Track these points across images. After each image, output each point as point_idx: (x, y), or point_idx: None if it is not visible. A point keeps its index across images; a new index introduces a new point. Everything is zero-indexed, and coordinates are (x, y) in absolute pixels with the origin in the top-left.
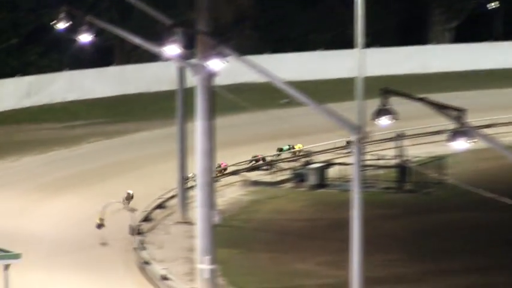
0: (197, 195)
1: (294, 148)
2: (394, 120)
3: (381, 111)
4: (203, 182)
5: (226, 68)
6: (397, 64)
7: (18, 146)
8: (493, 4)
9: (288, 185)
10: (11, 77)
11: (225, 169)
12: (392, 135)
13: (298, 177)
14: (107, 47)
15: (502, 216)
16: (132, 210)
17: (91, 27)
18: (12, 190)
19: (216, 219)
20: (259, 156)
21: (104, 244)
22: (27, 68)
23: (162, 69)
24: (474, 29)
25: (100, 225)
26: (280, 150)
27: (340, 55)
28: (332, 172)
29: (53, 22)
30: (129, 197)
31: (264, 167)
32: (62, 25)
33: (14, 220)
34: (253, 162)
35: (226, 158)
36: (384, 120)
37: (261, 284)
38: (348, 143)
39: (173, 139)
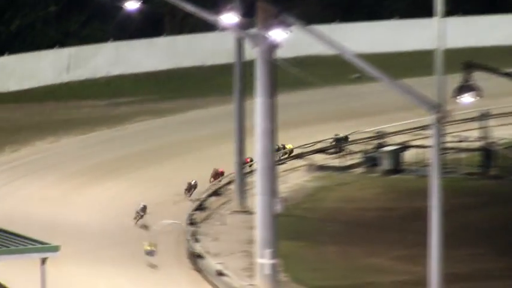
0: (257, 181)
1: (284, 148)
2: (477, 98)
3: (463, 88)
4: (263, 166)
5: (289, 39)
6: (481, 35)
7: (57, 126)
8: None
9: (359, 170)
10: (49, 49)
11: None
12: (476, 114)
13: (370, 162)
14: (156, 15)
15: None
16: (197, 200)
17: None
18: (49, 175)
19: (278, 208)
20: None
21: (152, 236)
22: (67, 39)
23: (218, 41)
24: None
25: (151, 252)
26: (192, 186)
27: (417, 25)
28: (408, 156)
29: None
30: (191, 187)
31: (332, 150)
32: None
33: (52, 209)
34: (334, 142)
35: (289, 139)
36: (467, 98)
37: (328, 281)
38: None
39: (230, 118)
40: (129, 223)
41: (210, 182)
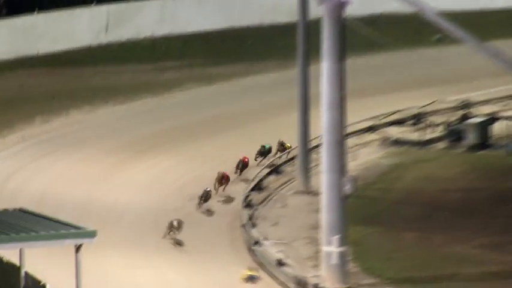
0: (323, 157)
1: (283, 146)
2: None
3: None
4: (330, 140)
5: None
6: None
7: (94, 94)
8: None
9: (440, 145)
10: (85, 7)
11: (245, 165)
12: None
13: (454, 135)
14: None
15: None
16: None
17: None
18: (86, 150)
19: (347, 188)
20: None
21: (202, 221)
22: None
23: None
24: None
25: (252, 278)
26: (265, 150)
27: None
28: (497, 128)
29: None
30: (242, 166)
31: (410, 122)
32: None
33: (89, 189)
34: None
35: (359, 110)
36: None
37: (404, 272)
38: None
39: (292, 86)
40: (176, 205)
41: (215, 188)
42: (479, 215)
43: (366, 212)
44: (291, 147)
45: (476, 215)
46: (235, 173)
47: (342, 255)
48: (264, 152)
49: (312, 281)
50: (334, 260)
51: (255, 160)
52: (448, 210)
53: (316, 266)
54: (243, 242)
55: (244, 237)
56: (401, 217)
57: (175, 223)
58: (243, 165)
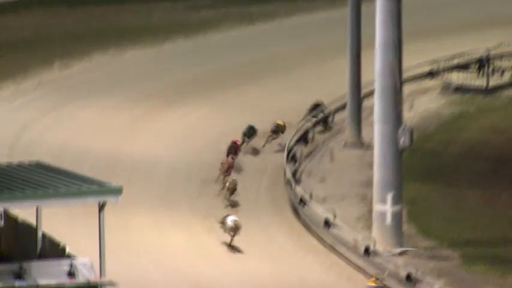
0: (376, 106)
1: (278, 127)
2: None
3: None
4: (385, 86)
5: None
6: None
7: (121, 35)
8: None
9: (508, 92)
10: None
11: (236, 150)
12: None
13: None
14: None
15: None
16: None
17: None
18: (111, 98)
19: (404, 140)
20: None
21: (238, 176)
22: None
23: None
24: None
25: None
26: (250, 131)
27: None
28: None
29: None
30: (278, 130)
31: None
32: None
33: (114, 141)
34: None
35: (417, 53)
36: None
37: (466, 234)
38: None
39: (342, 26)
40: (210, 159)
41: (224, 165)
42: None
43: (424, 167)
44: (285, 127)
45: None
46: (228, 155)
47: (396, 215)
48: (251, 133)
49: (363, 243)
50: (388, 220)
51: (242, 142)
52: None
53: (367, 228)
54: (286, 200)
55: (287, 196)
56: (464, 173)
57: (228, 184)
58: (235, 150)
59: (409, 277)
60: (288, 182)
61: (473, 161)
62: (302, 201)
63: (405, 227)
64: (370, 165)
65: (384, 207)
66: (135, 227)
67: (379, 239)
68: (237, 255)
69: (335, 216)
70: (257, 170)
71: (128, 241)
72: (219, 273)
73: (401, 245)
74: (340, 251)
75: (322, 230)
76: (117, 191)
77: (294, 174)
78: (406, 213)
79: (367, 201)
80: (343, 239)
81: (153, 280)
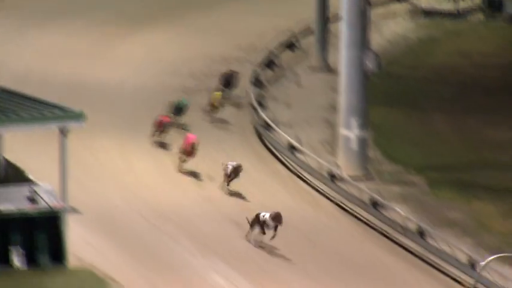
0: (342, 30)
1: (212, 104)
2: None
3: None
4: (352, 10)
5: None
6: None
7: None
8: None
9: (477, 16)
10: None
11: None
12: None
13: (493, 5)
14: None
15: None
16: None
17: None
18: (74, 22)
19: (370, 65)
20: None
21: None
22: None
23: None
24: None
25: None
26: (178, 109)
27: None
28: None
29: None
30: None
31: None
32: None
33: (77, 66)
34: None
35: None
36: None
37: (433, 159)
38: None
39: None
40: (174, 83)
41: (154, 135)
42: None
43: (391, 91)
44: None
45: None
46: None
47: (362, 140)
48: (179, 108)
49: (328, 167)
50: (353, 145)
51: (170, 118)
52: (484, 89)
53: (332, 152)
54: (251, 124)
55: (252, 119)
56: (431, 98)
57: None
58: (165, 125)
59: (373, 202)
60: (252, 107)
61: (440, 86)
62: (268, 126)
63: (371, 152)
64: (336, 90)
65: (350, 132)
66: (99, 151)
67: (344, 164)
68: (200, 180)
69: (300, 142)
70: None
71: (91, 166)
72: (180, 198)
73: (366, 170)
74: (305, 176)
75: (287, 155)
76: (79, 116)
77: (259, 98)
78: (372, 139)
79: (332, 126)
80: (308, 163)
81: (115, 205)
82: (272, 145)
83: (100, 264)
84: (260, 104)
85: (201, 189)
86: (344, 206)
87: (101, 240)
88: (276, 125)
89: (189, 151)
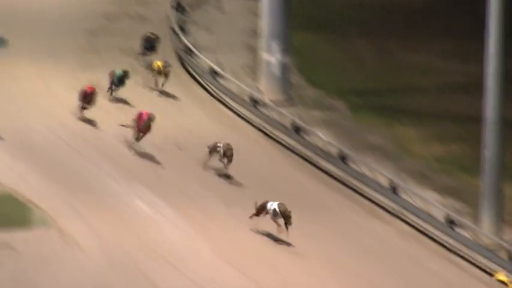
0: None
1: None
2: None
3: None
4: None
5: None
6: None
7: None
8: None
9: None
10: None
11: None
12: None
13: None
14: None
15: None
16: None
17: None
18: None
19: None
20: None
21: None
22: None
23: None
24: None
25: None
26: (119, 77)
27: None
28: None
29: None
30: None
31: None
32: None
33: None
34: None
35: None
36: None
37: (355, 84)
38: None
39: None
40: (95, 9)
41: (82, 108)
42: (441, 17)
43: (312, 16)
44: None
45: (438, 17)
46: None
47: (284, 65)
48: (118, 81)
49: (249, 92)
50: (275, 69)
51: (107, 92)
52: (405, 12)
53: (254, 77)
54: (173, 49)
55: (174, 45)
56: (352, 22)
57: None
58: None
59: (295, 127)
60: (174, 32)
61: (361, 9)
62: (189, 51)
63: (292, 77)
64: (257, 14)
65: (271, 56)
66: (20, 78)
67: (266, 89)
68: (121, 105)
69: (221, 66)
70: (143, 19)
71: (12, 93)
72: (100, 124)
73: (287, 94)
74: (227, 101)
75: (209, 79)
76: (2, 42)
77: (181, 23)
78: (294, 63)
79: (254, 51)
80: (229, 88)
81: (36, 130)
82: (194, 70)
83: (22, 189)
84: (182, 29)
85: (124, 114)
86: (266, 132)
87: (23, 165)
88: (198, 50)
89: (144, 130)
